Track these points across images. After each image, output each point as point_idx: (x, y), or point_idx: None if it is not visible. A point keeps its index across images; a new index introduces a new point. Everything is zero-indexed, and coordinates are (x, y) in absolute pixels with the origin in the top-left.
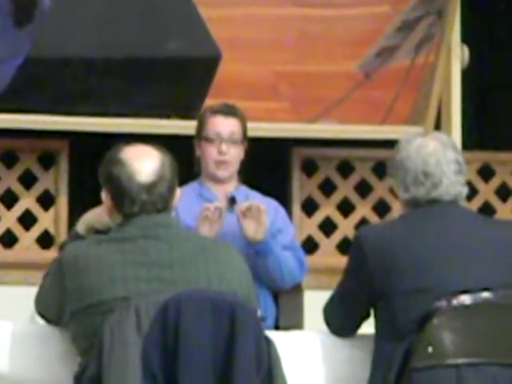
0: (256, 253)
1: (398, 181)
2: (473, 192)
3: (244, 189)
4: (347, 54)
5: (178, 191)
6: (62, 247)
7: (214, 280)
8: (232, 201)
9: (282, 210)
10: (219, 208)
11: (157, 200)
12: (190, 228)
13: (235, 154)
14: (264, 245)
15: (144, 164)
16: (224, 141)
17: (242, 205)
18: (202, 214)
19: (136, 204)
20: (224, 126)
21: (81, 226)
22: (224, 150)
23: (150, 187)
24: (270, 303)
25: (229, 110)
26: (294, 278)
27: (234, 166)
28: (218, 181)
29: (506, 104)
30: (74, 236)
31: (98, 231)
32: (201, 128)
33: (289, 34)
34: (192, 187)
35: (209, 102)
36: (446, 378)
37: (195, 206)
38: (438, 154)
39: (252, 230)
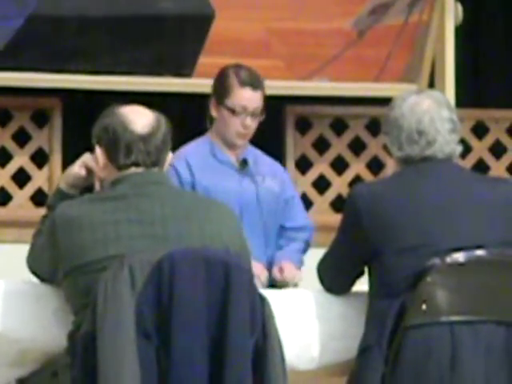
0: None
1: (392, 139)
2: (466, 149)
3: (251, 150)
4: (340, 12)
5: (171, 155)
6: (48, 206)
7: (207, 237)
8: (244, 162)
9: (287, 174)
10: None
11: (152, 151)
12: (206, 189)
13: (255, 125)
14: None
15: (139, 117)
16: (250, 114)
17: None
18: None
19: (132, 154)
20: (252, 100)
21: (63, 183)
22: (249, 124)
23: (146, 138)
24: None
25: (257, 83)
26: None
27: (251, 135)
28: (233, 147)
29: (500, 61)
30: (58, 194)
31: (83, 188)
32: (224, 94)
33: None
34: (202, 146)
35: (202, 59)
36: (440, 335)
37: (209, 166)
38: (432, 113)
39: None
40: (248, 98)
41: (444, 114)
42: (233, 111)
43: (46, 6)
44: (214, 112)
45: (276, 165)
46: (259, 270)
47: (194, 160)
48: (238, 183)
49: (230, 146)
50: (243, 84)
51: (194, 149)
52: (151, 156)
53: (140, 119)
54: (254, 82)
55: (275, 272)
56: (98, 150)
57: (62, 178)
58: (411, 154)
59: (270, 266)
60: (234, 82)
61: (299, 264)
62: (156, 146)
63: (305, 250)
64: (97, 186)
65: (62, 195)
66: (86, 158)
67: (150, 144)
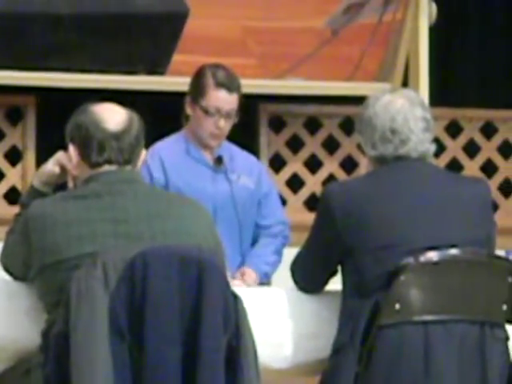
0: None
1: (365, 138)
2: (440, 148)
3: (227, 145)
4: (315, 11)
5: (144, 152)
6: (22, 204)
7: (181, 235)
8: (219, 160)
9: (264, 170)
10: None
11: (125, 149)
12: (179, 188)
13: (229, 127)
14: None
15: (112, 114)
16: (223, 116)
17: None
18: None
19: (105, 151)
20: (226, 102)
21: (36, 181)
22: (222, 126)
23: (118, 136)
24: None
25: (233, 86)
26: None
27: (225, 136)
28: (206, 147)
29: (474, 61)
30: (31, 191)
31: (57, 186)
32: (199, 94)
33: None
34: (177, 143)
35: (176, 57)
36: (414, 334)
37: (183, 165)
38: (405, 112)
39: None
40: (223, 100)
41: (418, 113)
42: (206, 112)
43: (15, 2)
44: (189, 110)
45: (252, 160)
46: (251, 279)
47: (167, 157)
48: (213, 182)
49: (204, 145)
50: (219, 85)
51: (169, 146)
52: (124, 154)
53: (113, 117)
54: (230, 84)
55: (237, 274)
56: (71, 148)
57: (36, 176)
58: (385, 153)
59: (243, 264)
60: (210, 82)
61: (268, 267)
62: (129, 144)
63: (282, 247)
64: (70, 183)
65: (35, 193)
66: (60, 155)
67: (123, 142)
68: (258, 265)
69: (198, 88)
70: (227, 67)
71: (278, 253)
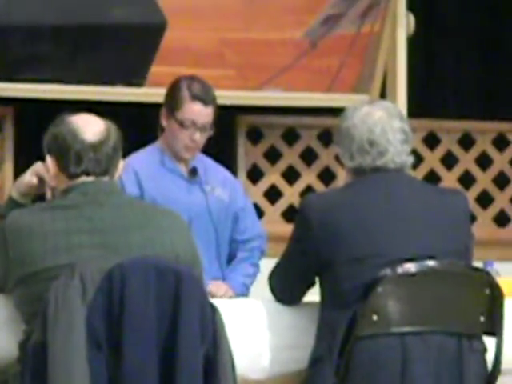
0: None
1: (343, 149)
2: (418, 160)
3: (202, 158)
4: (293, 22)
5: (122, 163)
6: (0, 215)
7: (158, 246)
8: (193, 171)
9: (238, 184)
10: None
11: (102, 160)
12: (154, 199)
13: (204, 139)
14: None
15: (89, 125)
16: (198, 129)
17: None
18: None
19: (83, 162)
20: (201, 115)
21: (14, 192)
22: (197, 139)
23: (96, 146)
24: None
25: (208, 99)
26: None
27: (200, 148)
28: (180, 160)
29: (452, 72)
30: (9, 202)
31: (35, 196)
32: (174, 107)
33: (235, 1)
34: (152, 154)
35: (154, 69)
36: (391, 346)
37: (158, 176)
38: (383, 123)
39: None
40: (198, 113)
41: (396, 125)
42: (182, 124)
43: None
44: (164, 122)
45: (226, 174)
46: (223, 290)
47: (142, 169)
48: (188, 192)
49: (178, 158)
50: (194, 98)
51: (143, 157)
52: (101, 164)
53: (90, 127)
54: (206, 97)
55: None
56: (49, 159)
57: (14, 187)
58: (362, 165)
59: (221, 275)
60: (185, 95)
61: (247, 279)
62: (106, 154)
63: (259, 260)
64: (48, 194)
65: (13, 204)
66: (38, 166)
67: (101, 152)
68: (236, 277)
69: (173, 100)
70: (202, 79)
71: (256, 265)
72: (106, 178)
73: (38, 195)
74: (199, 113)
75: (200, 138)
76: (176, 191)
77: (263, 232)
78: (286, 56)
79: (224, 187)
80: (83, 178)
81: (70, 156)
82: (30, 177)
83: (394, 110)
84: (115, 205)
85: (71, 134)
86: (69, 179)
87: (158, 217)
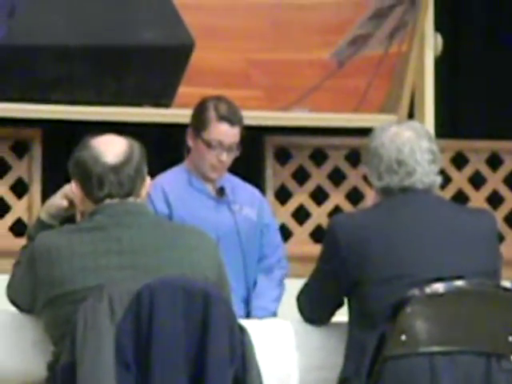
0: None
1: (371, 168)
2: (446, 180)
3: (228, 177)
4: (320, 43)
5: (148, 180)
6: (29, 236)
7: (187, 266)
8: (221, 191)
9: (265, 202)
10: None
11: (124, 181)
12: (183, 218)
13: (231, 160)
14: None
15: (111, 147)
16: (226, 149)
17: None
18: None
19: (105, 186)
20: (228, 136)
21: (44, 213)
22: (224, 159)
23: (116, 168)
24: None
25: (235, 119)
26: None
27: (226, 168)
28: (207, 180)
29: (479, 92)
30: (38, 224)
31: (64, 218)
32: (201, 127)
33: (262, 22)
34: (179, 174)
35: (182, 89)
36: (420, 366)
37: (186, 195)
38: (412, 143)
39: None
40: (225, 133)
41: (424, 145)
42: (209, 145)
43: (21, 34)
44: (190, 142)
45: (254, 192)
46: None
47: (170, 189)
48: (215, 212)
49: (205, 178)
50: (221, 119)
51: (171, 177)
52: (124, 187)
53: (111, 150)
54: (233, 117)
55: None
56: (73, 185)
57: (43, 209)
58: (390, 184)
59: (248, 295)
60: (212, 115)
61: (275, 304)
62: (128, 176)
63: (282, 277)
64: (78, 217)
65: (42, 225)
66: (67, 188)
67: (122, 174)
68: (266, 306)
69: (200, 121)
70: (229, 100)
71: (280, 284)
72: (131, 199)
73: (66, 217)
74: (226, 133)
75: (227, 158)
76: (204, 211)
77: (284, 249)
78: (314, 76)
79: (252, 206)
80: (108, 201)
81: (92, 180)
82: (60, 199)
83: (422, 130)
84: (143, 225)
85: (92, 157)
86: (94, 203)
87: (186, 236)
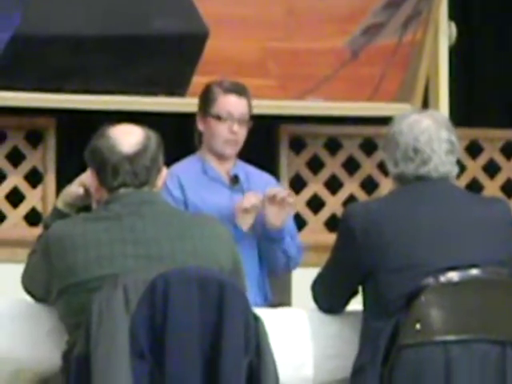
0: (269, 238)
1: (388, 154)
2: (461, 169)
3: (242, 165)
4: (334, 31)
5: (165, 170)
6: (45, 225)
7: (201, 255)
8: (235, 179)
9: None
10: (258, 203)
11: (140, 171)
12: (197, 206)
13: (243, 134)
14: (279, 232)
15: (127, 136)
16: (236, 120)
17: (270, 191)
18: (242, 205)
19: (119, 175)
20: (237, 106)
21: (60, 202)
22: (236, 130)
23: (132, 158)
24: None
25: (241, 90)
26: (295, 264)
27: (241, 145)
28: (222, 158)
29: (494, 81)
30: (55, 213)
31: (80, 208)
32: (209, 104)
33: (276, 11)
34: (193, 163)
35: (196, 79)
36: (434, 354)
37: (200, 183)
38: (430, 132)
39: (273, 216)
40: (233, 104)
41: (442, 135)
42: (219, 118)
43: (35, 24)
44: (201, 126)
45: (270, 179)
46: (253, 198)
47: (185, 177)
48: (229, 199)
49: (220, 156)
50: (227, 91)
51: (186, 166)
52: (139, 176)
53: (127, 139)
54: (238, 89)
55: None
56: (90, 173)
57: (60, 197)
58: (405, 172)
59: (263, 279)
60: (217, 90)
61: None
62: (144, 166)
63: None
64: (94, 205)
65: (58, 214)
66: (84, 177)
67: (138, 164)
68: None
69: (206, 100)
70: (232, 80)
71: (297, 264)
72: (146, 189)
73: (83, 206)
74: (234, 104)
75: (239, 130)
76: (218, 198)
77: (299, 242)
78: (328, 66)
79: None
80: (122, 191)
81: (108, 169)
82: (76, 187)
83: (442, 120)
84: (157, 215)
85: (108, 147)
86: (109, 192)
87: (200, 226)
